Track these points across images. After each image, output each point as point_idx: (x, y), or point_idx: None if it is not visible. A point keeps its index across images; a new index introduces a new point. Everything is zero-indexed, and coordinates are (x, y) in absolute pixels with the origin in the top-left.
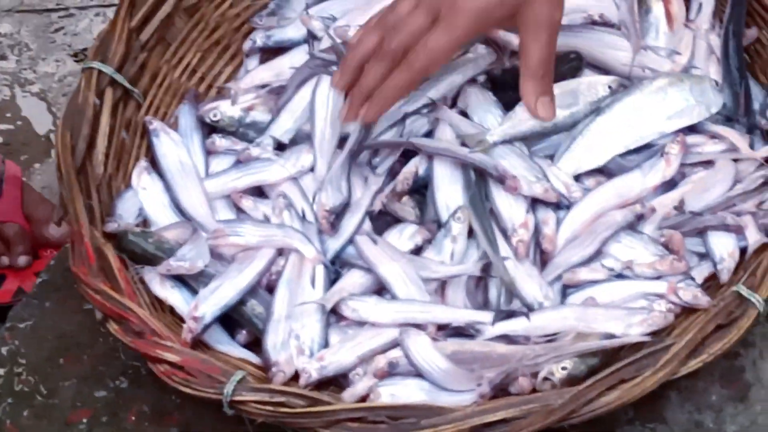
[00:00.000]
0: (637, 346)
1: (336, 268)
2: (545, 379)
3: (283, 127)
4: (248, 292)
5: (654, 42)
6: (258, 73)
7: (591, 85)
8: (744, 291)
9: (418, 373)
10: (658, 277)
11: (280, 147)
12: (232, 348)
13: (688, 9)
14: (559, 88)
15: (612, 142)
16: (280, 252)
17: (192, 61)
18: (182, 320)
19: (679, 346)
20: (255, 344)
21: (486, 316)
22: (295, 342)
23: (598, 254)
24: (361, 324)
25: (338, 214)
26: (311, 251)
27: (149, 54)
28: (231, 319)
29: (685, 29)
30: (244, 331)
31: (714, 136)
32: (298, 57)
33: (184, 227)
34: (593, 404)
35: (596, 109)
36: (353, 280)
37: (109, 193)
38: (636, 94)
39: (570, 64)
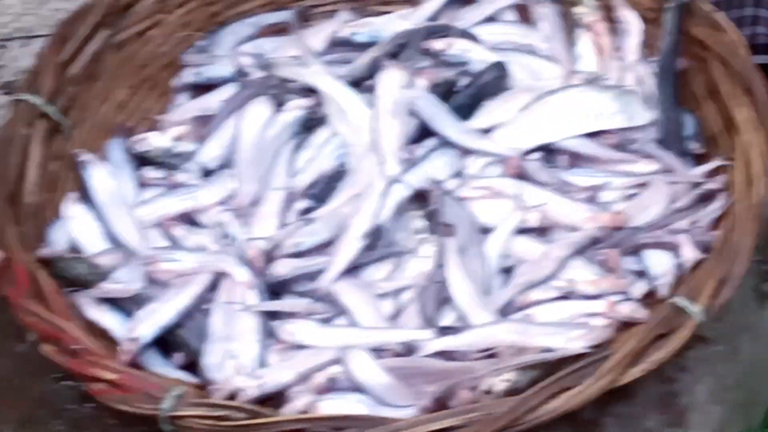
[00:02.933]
0: (578, 359)
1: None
2: (486, 392)
3: (210, 154)
4: (185, 314)
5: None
6: (187, 107)
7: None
8: (681, 302)
9: (359, 389)
10: (598, 296)
11: (207, 174)
12: (167, 370)
13: (615, 40)
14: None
15: (535, 132)
16: (216, 278)
17: (121, 96)
18: (116, 344)
19: (620, 355)
20: (190, 367)
21: (425, 333)
22: (233, 362)
23: (553, 276)
24: (299, 348)
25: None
26: (244, 275)
27: (79, 88)
28: (166, 342)
29: (614, 60)
30: (179, 354)
31: (648, 157)
32: (227, 93)
33: (117, 253)
34: (536, 412)
35: (536, 98)
36: (293, 301)
37: (39, 221)
38: (566, 92)
39: (493, 74)
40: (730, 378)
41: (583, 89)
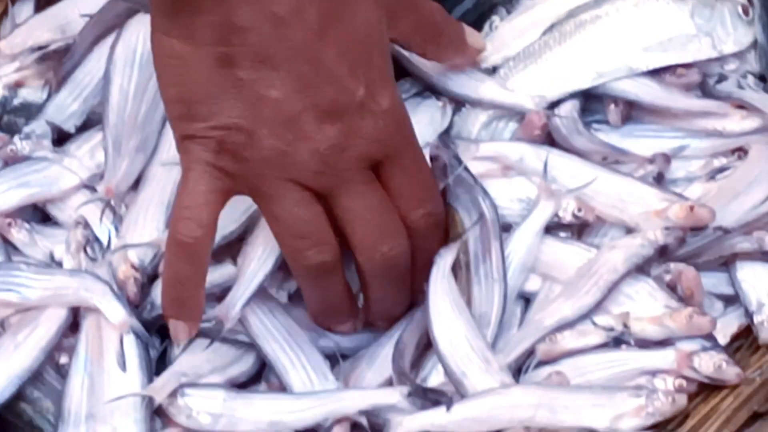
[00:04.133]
0: None
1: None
2: None
3: (66, 109)
4: (29, 379)
5: None
6: (32, 26)
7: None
8: None
9: None
10: (665, 342)
11: (63, 139)
12: None
13: None
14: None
15: (567, 70)
16: (76, 313)
17: None
18: None
19: None
20: None
21: (394, 394)
22: None
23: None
24: None
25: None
26: (117, 312)
27: None
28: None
29: None
30: None
31: (742, 106)
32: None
33: None
34: None
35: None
36: (197, 359)
37: None
38: (614, 4)
39: None
40: None
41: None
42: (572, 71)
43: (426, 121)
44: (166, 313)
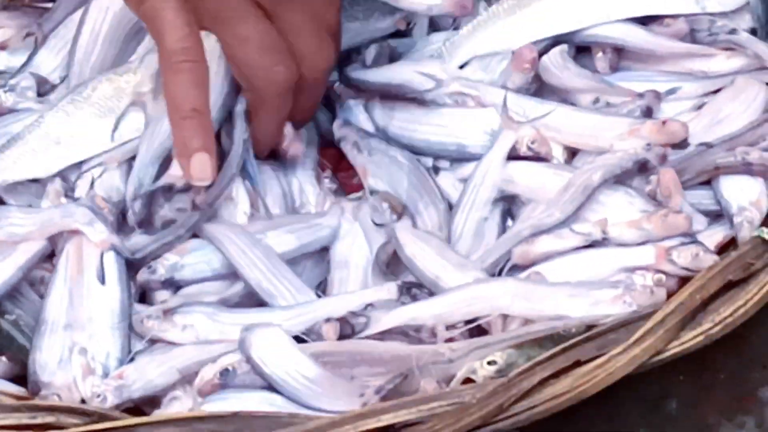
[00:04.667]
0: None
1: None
2: (466, 381)
3: (50, 62)
4: (7, 294)
5: None
6: None
7: None
8: None
9: (268, 386)
10: (644, 243)
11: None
12: None
13: None
14: None
15: (529, 24)
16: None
17: None
18: None
19: (666, 311)
20: (24, 379)
21: (386, 291)
22: (81, 359)
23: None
24: None
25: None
26: (99, 232)
27: None
28: None
29: None
30: (2, 358)
31: (730, 49)
32: None
33: None
34: (531, 398)
35: None
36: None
37: None
38: None
39: None
40: None
41: None
42: (553, 17)
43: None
44: (186, 151)
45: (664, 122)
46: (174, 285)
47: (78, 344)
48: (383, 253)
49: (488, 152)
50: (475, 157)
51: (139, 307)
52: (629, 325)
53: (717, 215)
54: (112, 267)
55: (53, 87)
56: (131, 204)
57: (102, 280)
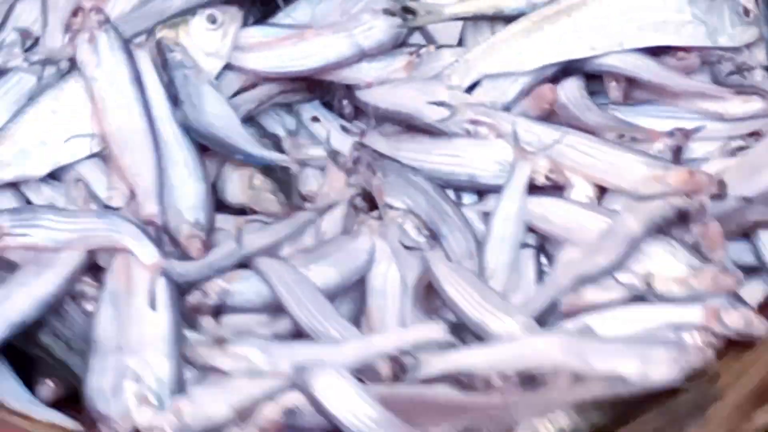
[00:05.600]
0: (665, 397)
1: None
2: None
3: (30, 13)
4: (49, 308)
5: None
6: None
7: None
8: None
9: (332, 427)
10: (691, 300)
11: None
12: (33, 407)
13: None
14: None
15: (544, 47)
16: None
17: None
18: None
19: (738, 393)
20: (71, 401)
21: (435, 329)
22: (134, 386)
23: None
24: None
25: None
26: (150, 255)
27: None
28: (27, 363)
29: None
30: (48, 382)
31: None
32: None
33: None
34: None
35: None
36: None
37: None
38: None
39: None
40: None
41: None
42: (566, 42)
43: None
44: None
45: (691, 172)
46: (221, 311)
47: (130, 369)
48: (420, 286)
49: (507, 185)
50: (487, 188)
51: (190, 334)
52: (700, 404)
53: (750, 269)
54: (164, 292)
55: (36, 39)
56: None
57: (153, 306)
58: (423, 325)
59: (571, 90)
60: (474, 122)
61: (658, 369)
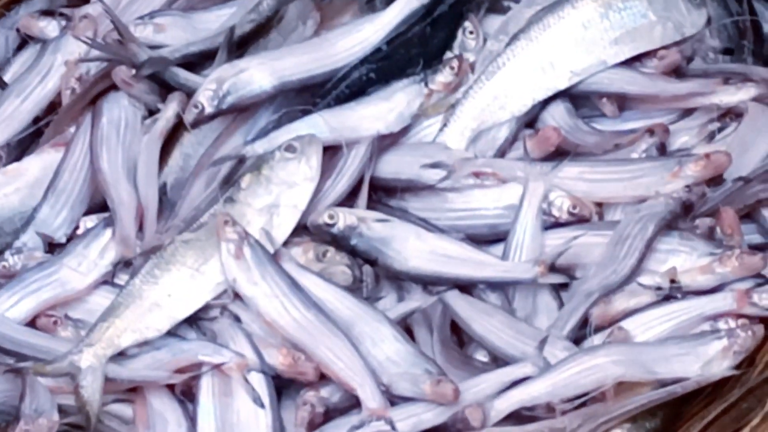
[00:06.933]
0: (714, 389)
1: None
2: None
3: (54, 218)
4: None
5: None
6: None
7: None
8: None
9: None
10: (716, 289)
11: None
12: None
13: None
14: None
15: (527, 86)
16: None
17: None
18: None
19: None
20: None
21: (527, 367)
22: None
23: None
24: None
25: None
26: (225, 356)
27: None
28: None
29: None
30: None
31: (726, 77)
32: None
33: None
34: None
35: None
36: None
37: None
38: (564, 13)
39: None
40: None
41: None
42: (549, 75)
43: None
44: None
45: (707, 155)
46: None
47: None
48: (445, 325)
49: (520, 209)
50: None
51: None
52: (756, 390)
53: (758, 248)
54: (262, 386)
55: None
56: None
57: (261, 404)
58: (516, 366)
59: (561, 115)
60: (476, 175)
61: (718, 362)
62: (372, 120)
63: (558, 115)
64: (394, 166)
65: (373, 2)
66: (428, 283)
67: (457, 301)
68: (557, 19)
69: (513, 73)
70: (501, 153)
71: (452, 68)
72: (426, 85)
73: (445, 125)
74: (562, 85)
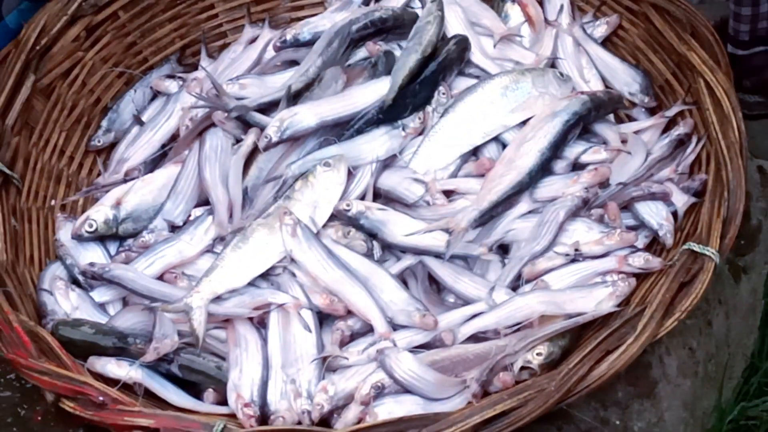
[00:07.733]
0: (603, 320)
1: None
2: (523, 368)
3: (174, 210)
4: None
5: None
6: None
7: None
8: (696, 247)
9: (406, 390)
10: (605, 255)
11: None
12: (198, 405)
13: (545, 10)
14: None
15: (458, 140)
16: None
17: (58, 141)
18: (134, 392)
19: (652, 309)
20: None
21: (482, 305)
22: (292, 386)
23: (555, 243)
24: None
25: None
26: (285, 298)
27: (18, 138)
28: (181, 381)
29: (548, 28)
30: (210, 390)
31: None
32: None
33: (133, 312)
34: (586, 380)
35: (443, 112)
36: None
37: (16, 279)
38: (478, 92)
39: (459, 46)
40: (702, 352)
41: (500, 84)
42: (465, 134)
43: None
44: None
45: (596, 169)
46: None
47: (290, 377)
48: (425, 279)
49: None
50: None
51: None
52: (632, 320)
53: (633, 228)
54: (310, 319)
55: (178, 227)
56: None
57: (308, 328)
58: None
59: (493, 152)
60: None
61: (607, 301)
62: (368, 151)
63: (492, 152)
64: (387, 180)
65: (377, 68)
66: (410, 252)
67: (433, 262)
68: (472, 93)
69: (438, 137)
70: (453, 175)
71: (420, 119)
72: (403, 129)
73: (413, 156)
74: (478, 142)
